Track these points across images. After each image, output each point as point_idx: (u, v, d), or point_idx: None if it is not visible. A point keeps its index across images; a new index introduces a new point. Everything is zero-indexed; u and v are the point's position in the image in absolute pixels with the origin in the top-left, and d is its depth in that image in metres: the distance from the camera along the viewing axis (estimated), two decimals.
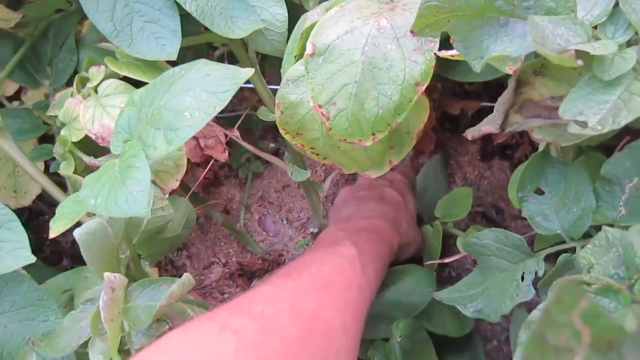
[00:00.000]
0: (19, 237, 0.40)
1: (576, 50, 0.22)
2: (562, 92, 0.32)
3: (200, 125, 0.32)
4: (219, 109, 0.32)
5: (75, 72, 0.57)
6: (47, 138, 0.59)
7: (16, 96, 0.59)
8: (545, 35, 0.23)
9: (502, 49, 0.26)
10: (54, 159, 0.57)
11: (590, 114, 0.23)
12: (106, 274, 0.35)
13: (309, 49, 0.35)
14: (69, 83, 0.58)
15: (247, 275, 0.72)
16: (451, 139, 0.72)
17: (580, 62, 0.22)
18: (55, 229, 0.35)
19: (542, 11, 0.25)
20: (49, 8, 0.58)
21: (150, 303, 0.41)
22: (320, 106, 0.34)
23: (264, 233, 0.74)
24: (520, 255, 0.34)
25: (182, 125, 0.32)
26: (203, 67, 0.34)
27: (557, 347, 0.10)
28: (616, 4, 0.24)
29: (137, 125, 0.36)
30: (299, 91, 0.41)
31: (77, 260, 0.74)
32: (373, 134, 0.36)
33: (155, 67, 0.50)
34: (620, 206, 0.29)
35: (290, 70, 0.41)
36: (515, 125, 0.36)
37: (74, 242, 0.74)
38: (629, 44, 0.24)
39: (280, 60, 0.56)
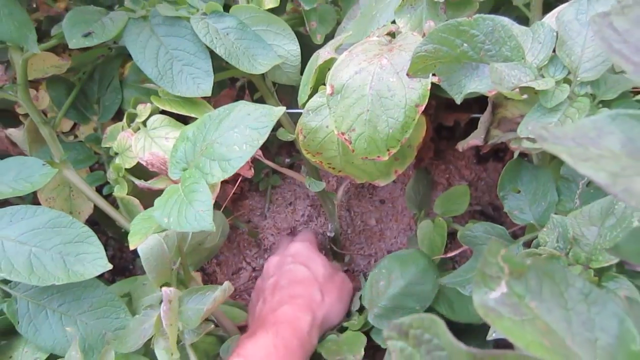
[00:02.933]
0: (97, 249, 0.49)
1: (522, 87, 0.32)
2: (528, 112, 0.41)
3: (249, 156, 0.41)
4: (262, 141, 0.41)
5: (120, 108, 0.67)
6: (97, 166, 0.69)
7: (71, 131, 0.69)
8: (502, 77, 0.32)
9: (474, 86, 0.35)
10: (104, 184, 0.66)
11: (537, 132, 0.32)
12: (164, 289, 0.44)
13: (328, 89, 0.44)
14: (114, 118, 0.68)
15: None
16: (448, 146, 0.81)
17: (525, 96, 0.32)
18: (133, 242, 0.44)
19: (501, 59, 0.34)
20: (94, 54, 0.68)
21: (198, 307, 0.50)
22: (342, 133, 0.43)
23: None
24: (505, 242, 0.43)
25: (233, 157, 0.42)
26: (244, 108, 0.44)
27: (492, 276, 0.19)
28: (554, 51, 0.34)
29: (193, 156, 0.45)
30: (318, 119, 0.50)
31: (117, 273, 0.83)
32: (388, 150, 0.45)
33: (192, 102, 0.60)
34: (576, 199, 0.38)
35: (310, 102, 0.50)
36: (495, 138, 0.45)
37: (112, 257, 0.83)
38: (564, 80, 0.33)
39: (292, 86, 0.66)
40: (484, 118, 0.44)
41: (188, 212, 0.41)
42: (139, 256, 0.68)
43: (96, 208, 0.68)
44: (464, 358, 0.16)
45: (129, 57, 0.67)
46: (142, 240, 0.44)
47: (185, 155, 0.46)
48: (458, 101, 0.37)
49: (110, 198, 0.65)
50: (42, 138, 0.64)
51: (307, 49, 0.64)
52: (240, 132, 0.42)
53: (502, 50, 0.34)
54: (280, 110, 0.43)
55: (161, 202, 0.44)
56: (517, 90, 0.31)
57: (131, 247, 0.45)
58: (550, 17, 0.36)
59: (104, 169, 0.67)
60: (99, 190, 0.66)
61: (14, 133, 0.64)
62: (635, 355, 0.17)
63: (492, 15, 0.36)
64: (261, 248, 0.84)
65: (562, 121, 0.31)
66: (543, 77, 0.33)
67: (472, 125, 0.53)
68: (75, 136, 0.68)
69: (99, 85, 0.68)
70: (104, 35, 0.55)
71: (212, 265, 0.85)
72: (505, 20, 0.36)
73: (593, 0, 0.32)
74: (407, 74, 0.39)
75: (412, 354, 0.17)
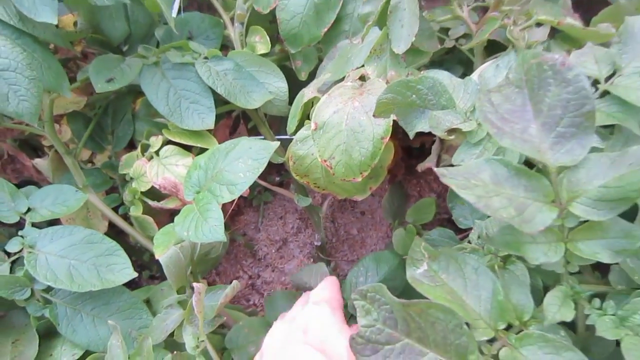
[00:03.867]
0: (124, 260, 0.60)
1: (454, 128, 0.44)
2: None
3: (252, 181, 0.53)
4: (262, 170, 0.53)
5: (132, 138, 0.78)
6: (111, 189, 0.80)
7: (89, 159, 0.80)
8: (439, 122, 0.45)
9: (422, 127, 0.48)
10: (119, 205, 0.77)
11: (467, 160, 0.44)
12: (195, 284, 0.55)
13: (312, 125, 0.56)
14: (127, 147, 0.79)
15: (263, 287, 0.93)
16: (418, 164, 0.94)
17: (452, 137, 0.44)
18: (158, 252, 0.55)
19: (440, 107, 0.47)
20: (108, 92, 0.80)
21: (212, 303, 0.61)
22: (325, 160, 0.55)
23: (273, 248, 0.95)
24: (453, 243, 0.55)
25: (239, 182, 0.53)
26: (246, 143, 0.56)
27: (417, 259, 0.30)
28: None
29: (205, 181, 0.57)
30: (305, 148, 0.62)
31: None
32: (361, 173, 0.57)
33: (197, 134, 0.71)
34: None
35: (298, 134, 0.62)
36: (445, 162, 0.58)
37: None
38: None
39: (281, 117, 0.78)
40: (435, 146, 0.57)
41: (204, 226, 0.52)
42: (143, 269, 0.80)
43: (109, 226, 0.78)
44: (398, 307, 0.28)
45: (139, 94, 0.79)
46: (165, 250, 0.55)
47: (199, 181, 0.58)
48: (411, 136, 0.50)
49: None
50: (64, 166, 0.75)
51: (294, 81, 0.76)
52: (244, 162, 0.54)
53: (440, 100, 0.47)
54: (275, 144, 0.55)
55: (180, 219, 0.56)
56: (450, 131, 0.44)
57: (157, 257, 0.56)
58: (476, 73, 0.49)
59: (118, 192, 0.78)
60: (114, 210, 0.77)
61: (40, 163, 0.75)
62: (500, 302, 0.29)
63: (433, 73, 0.49)
64: (256, 258, 0.95)
65: (482, 152, 0.43)
66: (470, 120, 0.46)
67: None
68: (93, 163, 0.79)
69: (113, 118, 0.79)
70: (123, 80, 0.67)
71: (212, 275, 0.96)
72: (444, 77, 0.48)
73: (501, 66, 0.45)
74: (374, 115, 0.52)
75: (369, 308, 0.29)
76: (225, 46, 0.83)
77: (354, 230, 0.97)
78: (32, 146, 0.82)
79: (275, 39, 0.83)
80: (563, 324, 0.38)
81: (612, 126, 0.40)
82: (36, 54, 0.59)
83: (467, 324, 0.28)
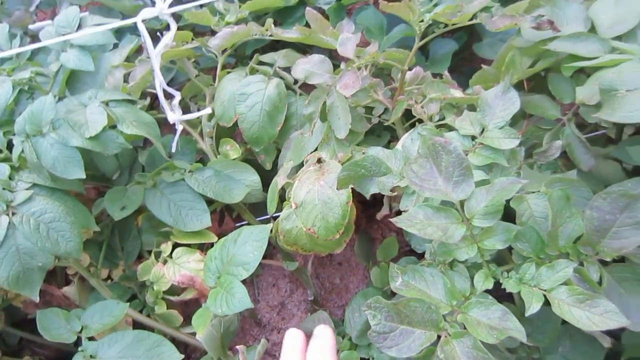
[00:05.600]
0: (170, 347, 0.75)
1: (394, 187, 0.66)
2: None
3: (259, 258, 0.71)
4: (264, 249, 0.71)
5: (139, 250, 0.94)
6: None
7: (108, 276, 0.94)
8: (384, 184, 0.66)
9: (373, 190, 0.69)
10: (142, 308, 0.92)
11: (409, 205, 0.66)
12: (238, 347, 0.71)
13: (293, 205, 0.76)
14: (136, 259, 0.95)
15: (273, 349, 1.08)
16: (375, 212, 1.16)
17: (389, 193, 0.66)
18: (200, 330, 0.71)
19: (382, 174, 0.68)
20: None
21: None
22: (309, 229, 0.75)
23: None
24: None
25: (250, 261, 0.71)
26: (248, 229, 0.74)
27: (395, 275, 0.50)
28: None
29: (222, 267, 0.74)
30: (290, 223, 0.81)
31: None
32: (338, 232, 0.76)
33: (198, 233, 0.89)
34: None
35: (282, 214, 0.82)
36: (395, 208, 0.79)
37: None
38: None
39: (257, 202, 0.97)
40: (385, 199, 0.78)
41: (233, 300, 0.69)
42: None
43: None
44: (391, 306, 0.47)
45: (139, 212, 0.96)
46: (205, 328, 0.71)
47: (217, 268, 0.75)
48: (368, 197, 0.71)
49: None
50: (87, 289, 0.89)
51: (262, 171, 0.96)
52: (250, 245, 0.73)
53: (381, 169, 0.68)
54: (269, 226, 0.75)
55: (211, 301, 0.72)
56: (393, 188, 0.65)
57: (198, 336, 0.71)
58: (400, 143, 0.72)
59: (137, 298, 0.93)
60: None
61: (68, 290, 0.88)
62: (450, 289, 0.49)
63: (372, 151, 0.71)
64: (261, 325, 1.11)
65: (417, 199, 0.65)
66: (403, 178, 0.67)
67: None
68: (112, 279, 0.93)
69: (120, 237, 0.95)
70: (133, 205, 0.84)
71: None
72: (379, 152, 0.70)
73: (414, 138, 0.67)
74: (337, 188, 0.72)
75: (374, 313, 0.47)
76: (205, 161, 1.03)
77: (337, 279, 1.15)
78: (51, 277, 0.96)
79: (236, 138, 1.04)
80: (509, 299, 0.59)
81: (491, 164, 0.63)
82: (67, 202, 0.75)
83: (434, 306, 0.48)
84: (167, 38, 0.65)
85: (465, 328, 0.47)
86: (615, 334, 0.65)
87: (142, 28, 0.59)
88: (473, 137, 0.65)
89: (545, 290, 0.49)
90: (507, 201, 0.54)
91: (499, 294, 0.53)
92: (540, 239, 0.53)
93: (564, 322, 0.64)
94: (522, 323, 0.67)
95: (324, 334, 0.50)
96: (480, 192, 0.51)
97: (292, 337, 0.50)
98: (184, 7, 0.76)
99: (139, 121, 0.81)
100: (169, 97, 0.95)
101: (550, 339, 0.64)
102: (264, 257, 1.21)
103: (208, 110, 0.88)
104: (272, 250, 1.16)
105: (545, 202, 0.56)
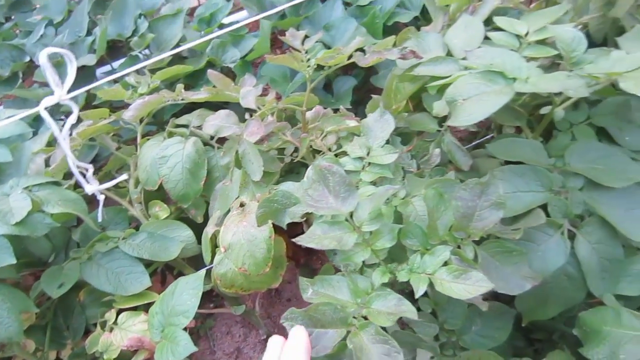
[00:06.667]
0: None
1: (303, 215, 0.75)
2: None
3: (197, 304, 0.77)
4: (200, 294, 0.78)
5: (86, 325, 0.97)
6: None
7: (57, 358, 0.96)
8: (295, 213, 0.75)
9: (287, 220, 0.78)
10: None
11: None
12: None
13: (222, 249, 0.83)
14: (84, 334, 0.97)
15: None
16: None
17: (301, 219, 0.74)
18: None
19: (292, 204, 0.77)
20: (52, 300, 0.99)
21: None
22: (240, 267, 0.82)
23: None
24: None
25: (189, 308, 0.77)
26: (183, 280, 0.80)
27: (306, 287, 0.58)
28: None
29: (164, 320, 0.80)
30: (223, 267, 0.88)
31: None
32: (267, 265, 0.84)
33: (140, 295, 0.93)
34: None
35: (215, 260, 0.88)
36: None
37: None
38: None
39: (195, 255, 1.03)
40: (305, 227, 0.87)
41: (178, 347, 0.74)
42: None
43: None
44: (304, 314, 0.54)
45: (79, 288, 0.99)
46: None
47: (160, 323, 0.80)
48: (284, 227, 0.79)
49: None
50: None
51: (194, 225, 1.03)
52: (187, 293, 0.79)
53: (291, 201, 0.77)
54: (202, 272, 0.81)
55: (158, 354, 0.77)
56: (303, 215, 0.74)
57: None
58: (306, 175, 0.82)
59: None
60: None
61: None
62: (353, 290, 0.58)
63: (283, 186, 0.80)
64: None
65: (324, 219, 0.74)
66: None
67: None
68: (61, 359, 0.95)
69: (64, 317, 0.98)
70: (70, 281, 0.88)
71: None
72: (289, 186, 0.80)
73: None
74: (258, 225, 0.80)
75: (291, 323, 0.55)
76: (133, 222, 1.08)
77: None
78: None
79: (167, 201, 1.10)
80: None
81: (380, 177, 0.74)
82: (2, 289, 0.79)
83: (340, 306, 0.56)
84: (70, 121, 0.72)
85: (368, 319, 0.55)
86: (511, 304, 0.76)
87: (45, 115, 0.65)
88: (362, 158, 0.75)
89: (430, 274, 0.58)
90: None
91: None
92: (423, 232, 0.62)
93: (470, 304, 0.74)
94: (438, 311, 0.76)
95: (298, 334, 0.53)
96: (364, 202, 0.61)
97: (274, 344, 0.54)
98: (82, 90, 0.84)
99: (65, 200, 0.86)
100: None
101: (461, 320, 0.74)
102: (215, 307, 1.26)
103: (124, 177, 0.95)
104: (221, 300, 1.21)
105: None
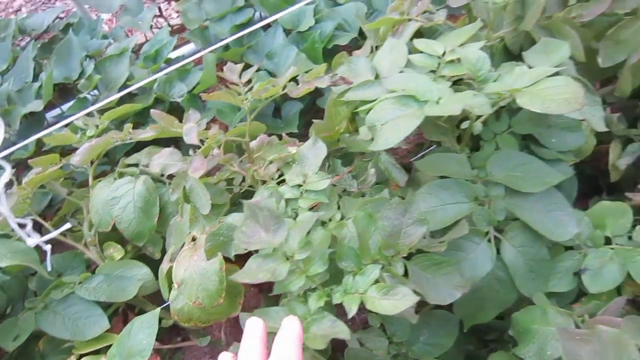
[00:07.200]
0: None
1: None
2: None
3: (152, 342, 0.79)
4: (155, 332, 0.80)
5: None
6: None
7: None
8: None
9: (233, 252, 0.81)
10: None
11: None
12: None
13: (175, 285, 0.85)
14: None
15: None
16: None
17: (244, 251, 0.78)
18: None
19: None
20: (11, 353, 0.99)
21: None
22: (194, 301, 0.84)
23: None
24: None
25: (145, 347, 0.79)
26: (138, 320, 0.82)
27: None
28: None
29: None
30: (179, 302, 0.90)
31: None
32: (220, 296, 0.86)
33: (100, 338, 0.94)
34: None
35: (171, 297, 0.90)
36: None
37: None
38: None
39: (155, 292, 1.05)
40: None
41: None
42: None
43: None
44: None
45: (37, 338, 1.00)
46: None
47: None
48: (232, 258, 0.82)
49: None
50: None
51: (152, 262, 1.05)
52: (143, 332, 0.81)
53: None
54: (157, 310, 0.83)
55: None
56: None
57: None
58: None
59: None
60: None
61: None
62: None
63: (228, 219, 0.83)
64: None
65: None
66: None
67: None
68: None
69: None
70: (26, 332, 0.89)
71: None
72: (234, 218, 0.82)
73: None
74: (208, 259, 0.83)
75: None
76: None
77: None
78: None
79: (123, 240, 1.12)
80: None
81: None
82: None
83: None
84: (3, 180, 0.74)
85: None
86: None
87: None
88: (299, 185, 0.79)
89: (362, 294, 0.61)
90: None
91: None
92: (356, 253, 0.66)
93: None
94: (386, 325, 0.80)
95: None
96: (293, 232, 0.65)
97: (252, 324, 0.52)
98: (17, 147, 0.86)
99: (14, 252, 0.87)
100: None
101: (408, 332, 0.78)
102: (182, 340, 1.27)
103: (67, 225, 0.96)
104: (187, 333, 1.22)
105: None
